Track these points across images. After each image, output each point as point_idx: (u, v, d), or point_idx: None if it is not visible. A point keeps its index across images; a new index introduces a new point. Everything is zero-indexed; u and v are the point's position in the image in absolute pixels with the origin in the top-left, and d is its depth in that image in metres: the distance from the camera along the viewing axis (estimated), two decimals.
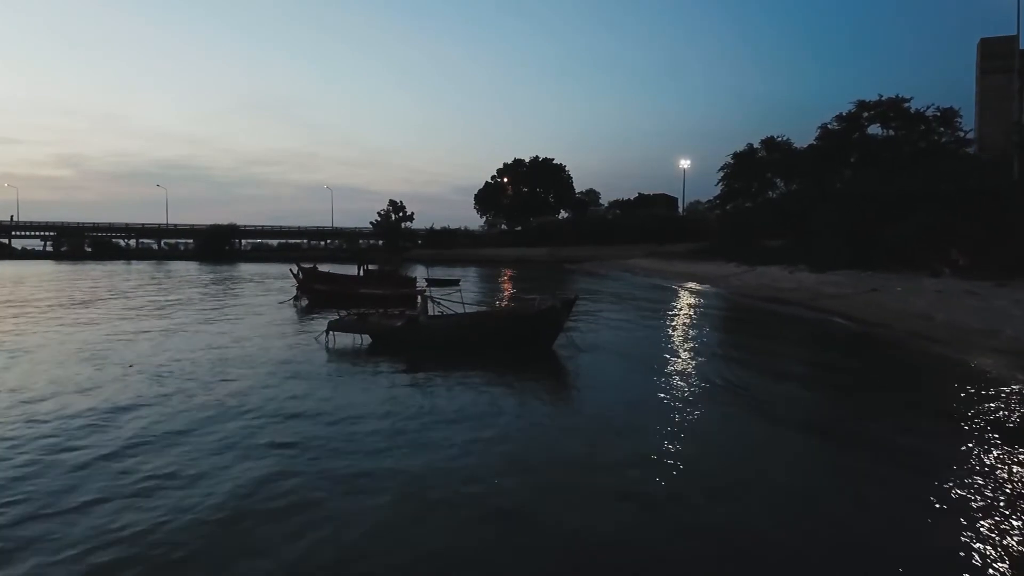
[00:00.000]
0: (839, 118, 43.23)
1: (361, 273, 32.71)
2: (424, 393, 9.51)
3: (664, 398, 9.17)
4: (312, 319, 18.69)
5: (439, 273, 50.69)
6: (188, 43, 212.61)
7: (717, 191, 59.01)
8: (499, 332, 12.82)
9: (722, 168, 55.32)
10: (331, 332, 13.70)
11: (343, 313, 14.46)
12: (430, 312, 14.03)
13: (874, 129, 44.52)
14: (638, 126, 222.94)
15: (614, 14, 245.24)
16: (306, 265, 33.75)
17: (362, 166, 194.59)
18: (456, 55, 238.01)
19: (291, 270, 23.59)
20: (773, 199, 52.60)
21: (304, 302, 22.87)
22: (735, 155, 54.66)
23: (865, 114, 42.63)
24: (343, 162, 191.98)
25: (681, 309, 23.63)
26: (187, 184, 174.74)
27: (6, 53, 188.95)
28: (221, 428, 7.44)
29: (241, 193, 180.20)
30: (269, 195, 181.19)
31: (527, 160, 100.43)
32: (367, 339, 13.76)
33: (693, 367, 11.65)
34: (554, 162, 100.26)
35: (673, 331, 16.79)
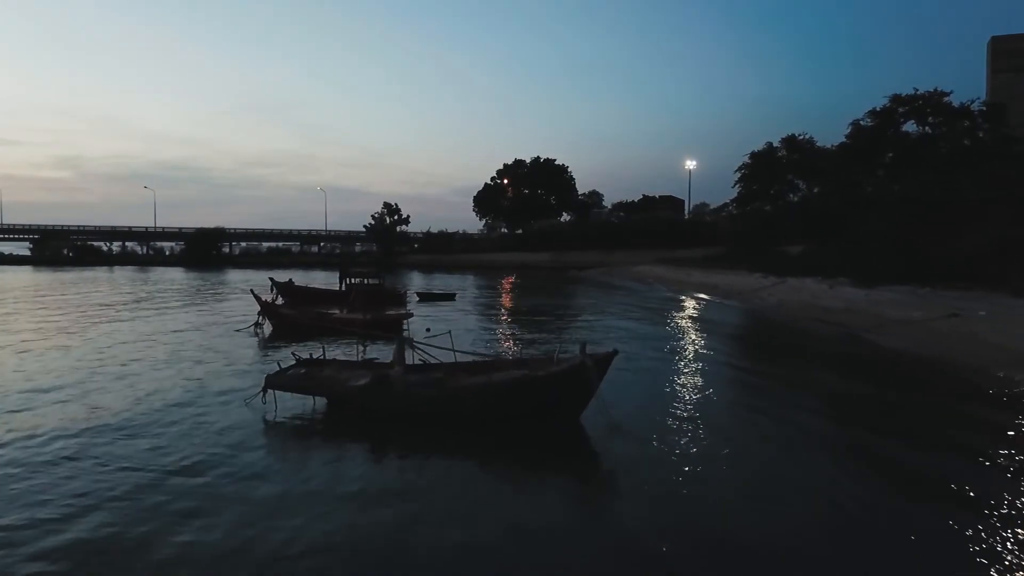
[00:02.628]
0: (872, 113, 39.37)
1: (343, 287, 28.97)
2: (385, 520, 5.69)
3: (765, 523, 5.37)
4: (268, 356, 14.87)
5: (436, 284, 47.03)
6: (187, 45, 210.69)
7: (722, 193, 55.23)
8: (505, 398, 9.00)
9: (739, 168, 51.39)
10: (269, 391, 9.87)
11: (321, 347, 10.70)
12: (408, 361, 10.23)
13: (907, 127, 40.83)
14: (639, 126, 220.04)
15: (613, 14, 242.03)
16: (279, 279, 30.05)
17: (361, 167, 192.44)
18: (455, 56, 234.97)
19: (251, 290, 19.67)
20: (796, 202, 48.75)
21: (267, 329, 19.03)
22: (753, 154, 50.71)
23: (901, 109, 38.76)
24: (342, 163, 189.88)
25: (721, 336, 19.81)
26: (186, 186, 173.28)
27: (5, 55, 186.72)
28: None
29: (240, 195, 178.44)
30: (268, 197, 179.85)
31: (528, 160, 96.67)
32: (322, 399, 10.00)
33: (784, 441, 7.87)
34: (556, 163, 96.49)
35: (730, 377, 12.98)
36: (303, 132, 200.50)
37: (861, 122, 39.63)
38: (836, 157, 41.89)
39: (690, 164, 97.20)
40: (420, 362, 10.24)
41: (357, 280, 29.01)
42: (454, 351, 10.15)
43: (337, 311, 20.97)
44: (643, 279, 48.08)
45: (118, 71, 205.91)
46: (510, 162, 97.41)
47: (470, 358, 10.60)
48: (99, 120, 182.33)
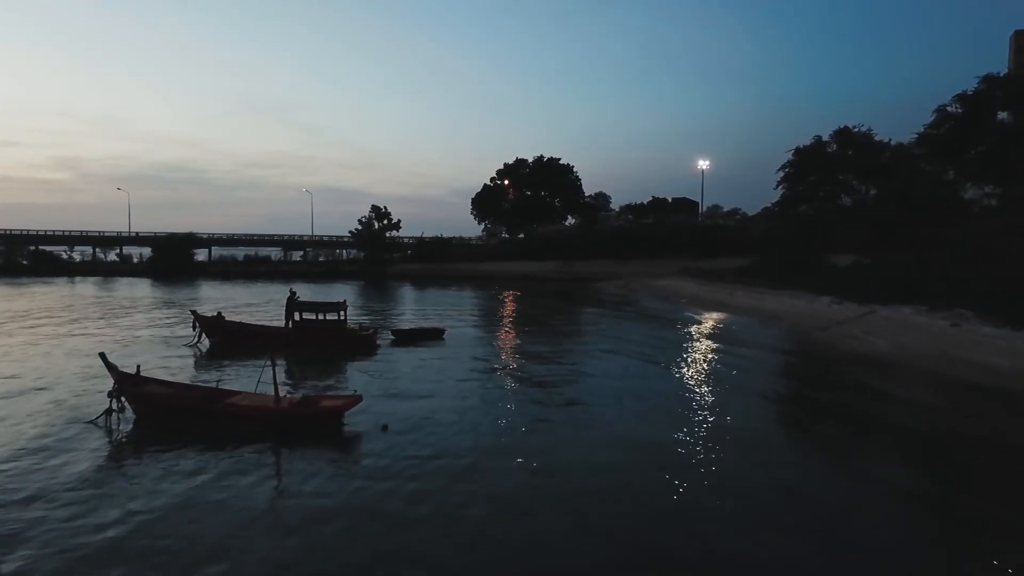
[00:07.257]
0: (961, 98, 32.08)
1: (291, 324, 21.50)
2: None
3: None
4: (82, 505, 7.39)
5: (427, 303, 39.71)
6: (186, 46, 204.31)
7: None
8: None
9: (782, 167, 43.95)
10: None
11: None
12: None
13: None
14: (643, 125, 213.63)
15: (613, 11, 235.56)
16: (207, 313, 22.59)
17: (360, 169, 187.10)
18: (454, 57, 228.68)
19: (101, 354, 11.89)
20: (851, 205, 41.38)
21: (129, 416, 11.52)
22: (798, 150, 43.30)
23: (998, 93, 31.53)
24: (341, 164, 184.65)
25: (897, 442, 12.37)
26: (185, 187, 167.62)
27: (4, 55, 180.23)
28: None
29: (240, 196, 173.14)
30: (268, 198, 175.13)
31: (530, 160, 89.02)
32: None
33: None
34: (560, 162, 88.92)
35: None
36: (303, 133, 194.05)
37: (948, 108, 32.33)
38: (915, 151, 34.56)
39: (703, 164, 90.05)
40: None
41: (318, 315, 21.51)
42: None
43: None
44: (671, 297, 40.61)
45: (117, 71, 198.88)
46: (511, 161, 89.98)
47: None
48: (98, 121, 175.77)
